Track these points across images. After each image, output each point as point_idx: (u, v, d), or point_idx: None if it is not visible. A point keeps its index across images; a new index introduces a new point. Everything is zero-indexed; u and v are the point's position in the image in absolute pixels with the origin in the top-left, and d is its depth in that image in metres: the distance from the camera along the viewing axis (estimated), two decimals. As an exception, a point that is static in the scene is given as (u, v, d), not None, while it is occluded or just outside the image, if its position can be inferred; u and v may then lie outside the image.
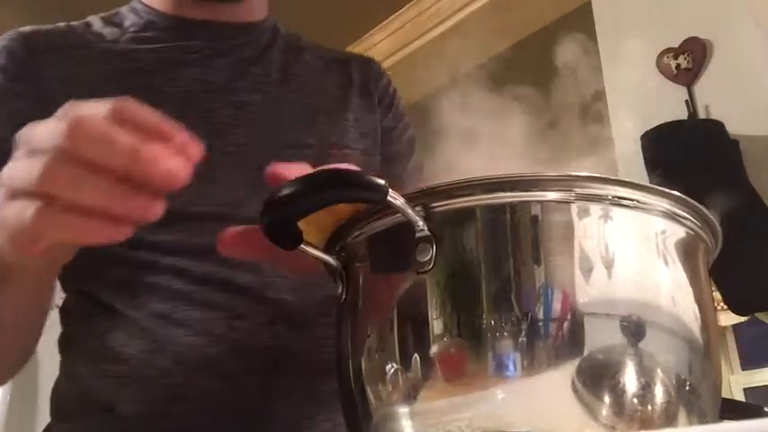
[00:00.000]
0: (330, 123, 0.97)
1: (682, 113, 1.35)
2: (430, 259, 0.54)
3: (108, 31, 0.89)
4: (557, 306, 0.52)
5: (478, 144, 0.76)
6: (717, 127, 1.26)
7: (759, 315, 1.20)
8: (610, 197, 0.54)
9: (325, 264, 0.63)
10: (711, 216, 0.58)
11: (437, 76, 2.24)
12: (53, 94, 0.76)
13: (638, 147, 1.30)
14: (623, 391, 0.50)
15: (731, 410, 0.76)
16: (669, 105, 1.37)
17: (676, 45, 1.43)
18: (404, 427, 0.54)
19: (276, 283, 0.82)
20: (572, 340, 0.51)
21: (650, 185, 0.55)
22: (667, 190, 0.56)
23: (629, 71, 1.49)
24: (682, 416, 0.52)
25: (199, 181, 0.52)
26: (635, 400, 0.51)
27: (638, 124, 1.32)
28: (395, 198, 0.53)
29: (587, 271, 0.52)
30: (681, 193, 0.56)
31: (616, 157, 1.36)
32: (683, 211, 0.57)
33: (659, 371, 0.52)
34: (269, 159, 0.62)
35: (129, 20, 0.92)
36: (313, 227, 0.60)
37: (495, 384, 0.51)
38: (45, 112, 0.53)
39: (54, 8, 2.13)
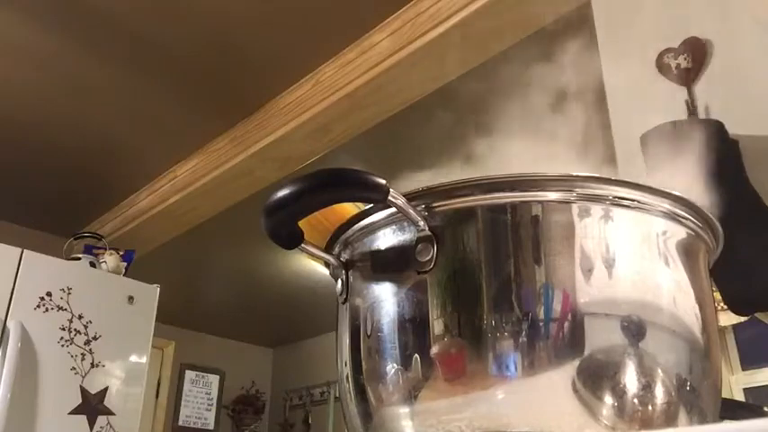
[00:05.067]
0: None
1: (682, 113, 1.34)
2: (431, 259, 0.54)
3: None
4: (557, 306, 0.51)
5: (482, 142, 0.76)
6: (717, 127, 1.26)
7: (759, 315, 1.20)
8: (610, 197, 0.54)
9: (326, 263, 0.63)
10: (712, 216, 0.58)
11: (437, 77, 2.25)
12: None
13: (638, 147, 1.29)
14: (624, 392, 0.50)
15: (731, 410, 0.76)
16: (669, 105, 1.37)
17: (676, 45, 1.43)
18: (404, 427, 0.54)
19: None
20: (572, 340, 0.51)
21: (651, 186, 0.55)
22: (668, 190, 0.56)
23: (629, 71, 1.49)
24: (682, 416, 0.52)
25: None
26: (635, 401, 0.51)
27: (638, 124, 1.32)
28: (396, 198, 0.53)
29: (588, 271, 0.52)
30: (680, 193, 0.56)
31: (616, 158, 1.36)
32: (684, 211, 0.57)
33: (659, 371, 0.52)
34: None
35: None
36: (314, 227, 0.60)
37: (495, 384, 0.51)
38: None
39: (54, 9, 2.13)
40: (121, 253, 2.71)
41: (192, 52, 2.37)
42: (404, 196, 0.54)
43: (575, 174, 0.54)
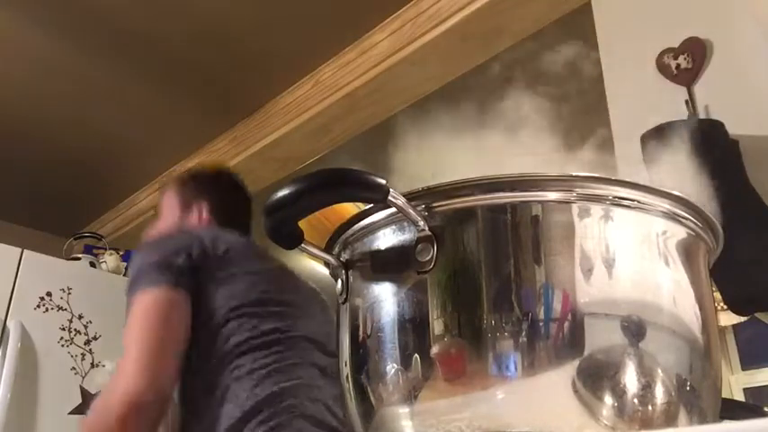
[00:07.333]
0: None
1: (682, 113, 1.34)
2: (431, 259, 0.54)
3: None
4: (557, 306, 0.51)
5: (478, 141, 0.76)
6: (717, 127, 1.26)
7: (759, 315, 1.20)
8: (610, 197, 0.54)
9: (326, 263, 0.63)
10: (712, 216, 0.58)
11: (437, 76, 2.24)
12: None
13: (638, 147, 1.29)
14: (623, 392, 0.50)
15: (731, 410, 0.76)
16: (669, 105, 1.37)
17: (676, 45, 1.43)
18: (404, 427, 0.54)
19: None
20: (572, 340, 0.51)
21: (650, 186, 0.55)
22: (668, 190, 0.55)
23: (629, 71, 1.49)
24: (682, 416, 0.52)
25: None
26: (635, 401, 0.51)
27: (638, 124, 1.32)
28: (396, 198, 0.53)
29: (588, 271, 0.52)
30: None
31: (616, 157, 1.36)
32: (684, 211, 0.57)
33: (659, 371, 0.52)
34: None
35: None
36: (314, 227, 0.60)
37: (495, 384, 0.51)
38: None
39: (54, 9, 2.13)
40: (121, 253, 2.70)
41: (192, 52, 2.37)
42: (404, 196, 0.54)
43: (575, 174, 0.54)
